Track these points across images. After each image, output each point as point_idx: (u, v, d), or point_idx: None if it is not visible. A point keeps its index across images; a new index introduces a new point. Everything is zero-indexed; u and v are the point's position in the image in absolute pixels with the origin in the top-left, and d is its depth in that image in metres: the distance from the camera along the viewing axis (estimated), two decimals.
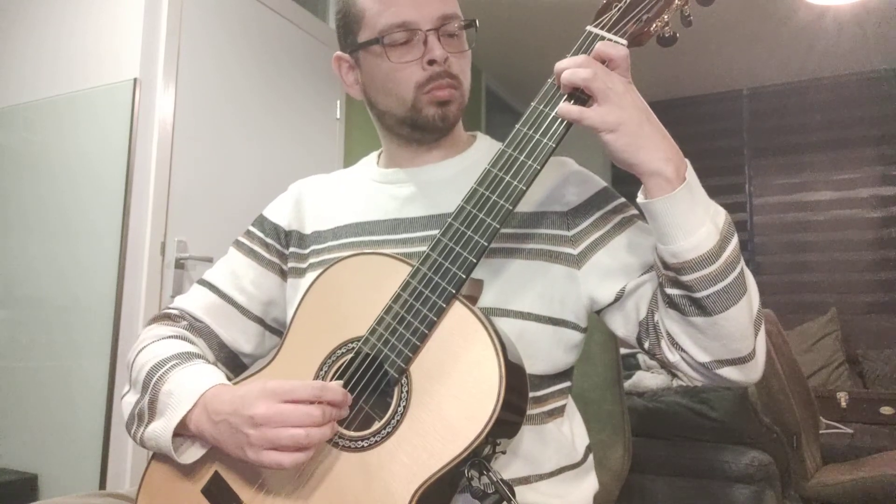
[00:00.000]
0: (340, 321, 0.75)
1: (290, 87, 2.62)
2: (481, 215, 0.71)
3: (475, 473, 0.65)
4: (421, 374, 0.69)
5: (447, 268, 0.70)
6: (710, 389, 1.77)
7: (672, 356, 0.78)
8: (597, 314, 0.88)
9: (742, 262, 0.74)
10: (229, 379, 0.81)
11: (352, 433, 0.70)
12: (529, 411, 0.80)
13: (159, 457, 0.79)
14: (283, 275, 0.95)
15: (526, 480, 0.81)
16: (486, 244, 0.70)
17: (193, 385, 0.75)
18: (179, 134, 2.12)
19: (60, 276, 2.05)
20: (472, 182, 0.74)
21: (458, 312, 0.69)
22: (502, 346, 0.66)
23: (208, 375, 0.77)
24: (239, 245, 0.97)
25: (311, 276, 0.89)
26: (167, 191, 2.07)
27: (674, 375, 2.09)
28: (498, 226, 0.70)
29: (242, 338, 0.93)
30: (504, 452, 0.72)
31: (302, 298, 0.79)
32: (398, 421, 0.68)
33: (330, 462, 0.69)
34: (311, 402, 0.67)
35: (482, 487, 0.64)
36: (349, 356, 0.73)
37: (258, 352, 0.95)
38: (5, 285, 2.16)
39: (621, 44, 0.72)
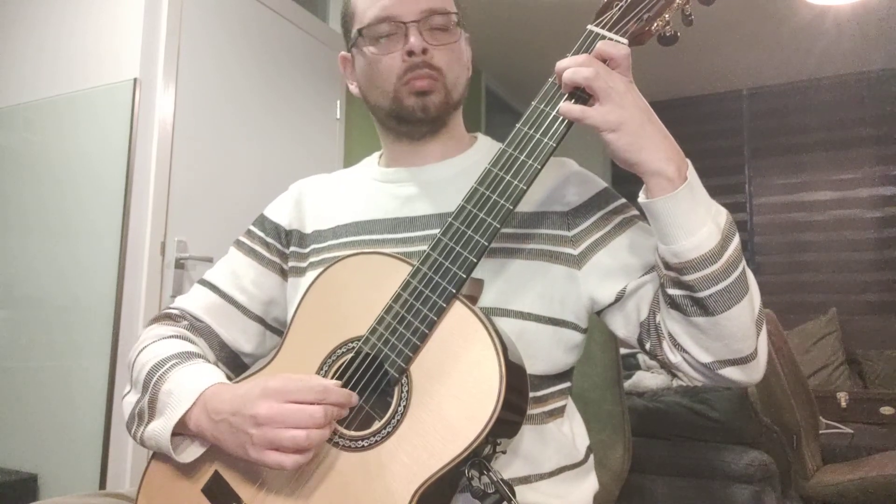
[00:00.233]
0: (341, 321, 0.75)
1: (290, 87, 2.62)
2: (482, 215, 0.71)
3: (475, 473, 0.65)
4: (421, 374, 0.68)
5: (447, 267, 0.70)
6: (710, 389, 1.77)
7: (674, 357, 0.78)
8: (597, 315, 0.88)
9: (744, 262, 0.74)
10: (230, 379, 0.81)
11: (352, 433, 0.70)
12: (530, 411, 0.80)
13: (159, 456, 0.79)
14: (284, 274, 0.95)
15: (526, 480, 0.81)
16: (486, 244, 0.70)
17: (193, 384, 0.75)
18: (179, 134, 2.12)
19: (60, 276, 2.05)
20: (472, 182, 0.74)
21: (458, 312, 0.69)
22: (503, 345, 0.66)
23: (208, 375, 0.77)
24: (239, 245, 0.97)
25: (311, 275, 0.89)
26: (167, 191, 2.07)
27: (674, 375, 2.09)
28: (498, 225, 0.70)
29: (243, 337, 0.93)
30: (504, 452, 0.72)
31: (302, 298, 0.79)
32: (398, 421, 0.68)
33: (330, 462, 0.69)
34: (314, 403, 0.66)
35: (482, 487, 0.64)
36: (349, 356, 0.72)
37: (259, 351, 0.95)
38: (5, 285, 2.16)
39: (622, 43, 0.72)
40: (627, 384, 1.97)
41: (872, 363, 3.41)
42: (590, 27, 0.75)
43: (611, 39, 0.72)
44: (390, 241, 0.87)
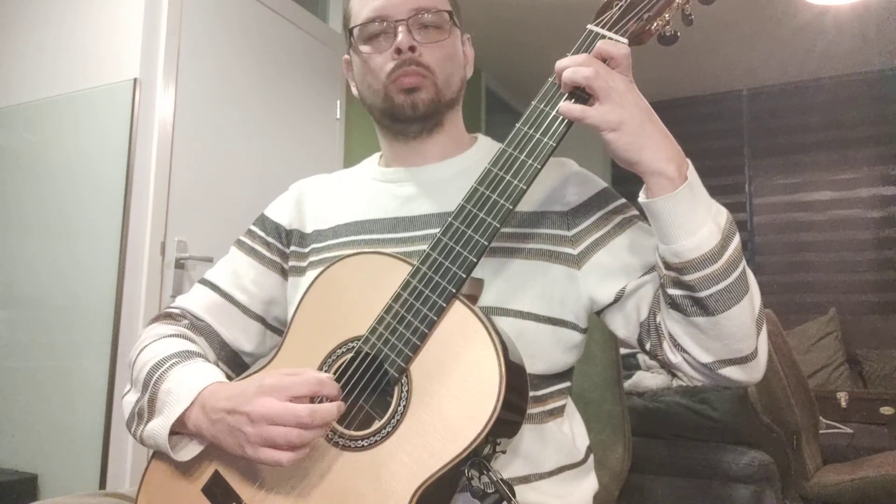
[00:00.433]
0: (341, 320, 0.75)
1: (290, 87, 2.62)
2: (482, 214, 0.71)
3: (475, 473, 0.65)
4: (421, 374, 0.68)
5: (447, 267, 0.70)
6: (710, 389, 1.77)
7: (674, 357, 0.78)
8: (597, 315, 0.88)
9: (744, 261, 0.74)
10: (230, 378, 0.81)
11: (352, 432, 0.70)
12: (529, 410, 0.80)
13: (160, 456, 0.79)
14: (284, 274, 0.95)
15: (526, 480, 0.81)
16: (486, 243, 0.70)
17: (192, 383, 0.75)
18: (179, 134, 2.12)
19: (60, 276, 2.05)
20: (472, 182, 0.74)
21: (458, 312, 0.69)
22: (502, 345, 0.66)
23: (207, 374, 0.77)
24: (240, 244, 0.97)
25: (311, 274, 0.89)
26: (167, 191, 2.07)
27: (674, 375, 2.09)
28: (498, 225, 0.70)
29: (243, 337, 0.93)
30: (504, 452, 0.72)
31: (302, 297, 0.79)
32: (398, 420, 0.68)
33: (330, 461, 0.69)
34: (310, 397, 0.66)
35: (482, 487, 0.64)
36: (349, 355, 0.73)
37: (259, 351, 0.95)
38: (5, 285, 2.16)
39: (622, 42, 0.72)
40: (627, 384, 1.97)
41: (872, 363, 3.41)
42: (590, 27, 0.75)
43: (611, 39, 0.72)
44: (390, 241, 0.88)
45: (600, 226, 0.86)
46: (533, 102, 0.73)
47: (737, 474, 1.66)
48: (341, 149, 2.89)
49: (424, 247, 0.72)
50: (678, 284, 0.73)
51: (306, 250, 0.94)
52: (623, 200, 0.89)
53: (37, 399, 2.03)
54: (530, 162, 0.71)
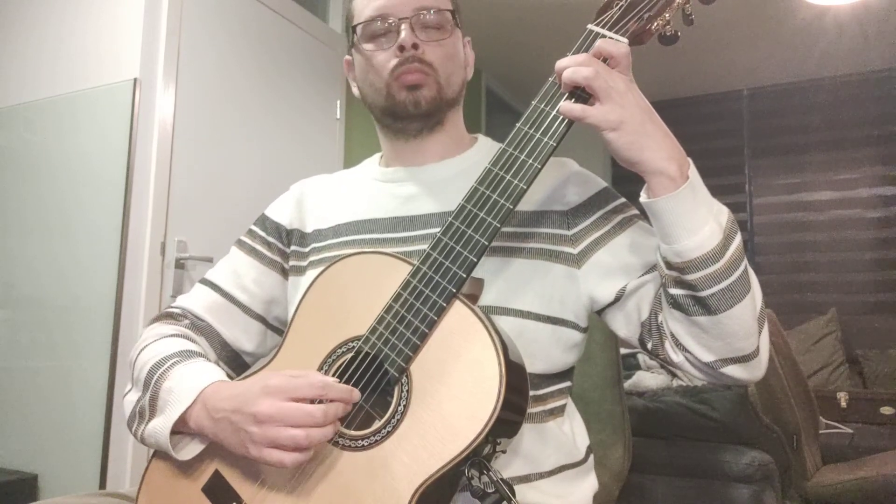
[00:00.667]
0: (341, 320, 0.75)
1: (290, 87, 2.62)
2: (482, 214, 0.71)
3: (475, 473, 0.65)
4: (421, 374, 0.69)
5: (448, 267, 0.70)
6: (710, 389, 1.77)
7: (676, 356, 0.78)
8: (598, 314, 0.88)
9: (745, 260, 0.74)
10: (231, 378, 0.81)
11: (352, 432, 0.70)
12: (529, 409, 0.80)
13: (160, 455, 0.79)
14: (285, 273, 0.95)
15: (526, 479, 0.81)
16: (486, 243, 0.70)
17: (193, 382, 0.75)
18: (179, 134, 2.12)
19: (60, 276, 2.05)
20: (472, 181, 0.74)
21: (458, 312, 0.69)
22: (503, 345, 0.66)
23: (208, 373, 0.77)
24: (241, 244, 0.97)
25: (311, 274, 0.89)
26: (167, 191, 2.07)
27: (674, 375, 2.09)
28: (498, 225, 0.70)
29: (244, 336, 0.93)
30: (504, 452, 0.72)
31: (302, 297, 0.79)
32: (398, 420, 0.68)
33: (331, 461, 0.69)
34: (315, 400, 0.67)
35: (482, 487, 0.64)
36: (350, 355, 0.73)
37: (260, 350, 0.95)
38: (5, 285, 2.16)
39: (622, 42, 0.72)
40: (627, 384, 1.97)
41: (872, 363, 3.41)
42: (590, 26, 0.75)
43: (611, 39, 0.72)
44: (390, 241, 0.88)
45: (600, 225, 0.86)
46: (533, 102, 0.73)
47: (737, 474, 1.66)
48: (341, 149, 2.89)
49: (425, 246, 0.72)
50: (680, 284, 0.73)
51: (307, 250, 0.94)
52: (623, 200, 0.89)
53: (37, 399, 2.03)
54: (531, 162, 0.71)
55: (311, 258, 0.92)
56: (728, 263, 0.71)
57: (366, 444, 0.69)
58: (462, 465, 0.64)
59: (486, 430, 0.63)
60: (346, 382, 0.71)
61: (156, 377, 0.78)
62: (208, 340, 0.91)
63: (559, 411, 0.87)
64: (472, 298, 0.72)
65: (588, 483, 0.89)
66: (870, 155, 4.12)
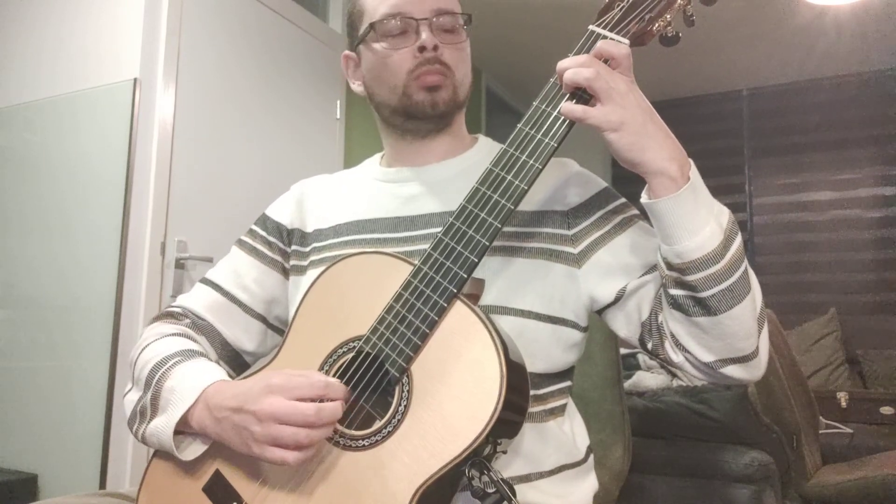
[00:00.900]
0: (342, 320, 0.75)
1: (290, 87, 2.62)
2: (483, 214, 0.71)
3: (476, 473, 0.65)
4: (422, 374, 0.69)
5: (448, 267, 0.70)
6: (710, 389, 1.77)
7: (676, 357, 0.78)
8: (598, 314, 0.88)
9: (745, 261, 0.74)
10: (231, 377, 0.81)
11: (353, 432, 0.70)
12: (530, 409, 0.80)
13: (160, 455, 0.79)
14: (286, 273, 0.95)
15: (527, 479, 0.81)
16: (487, 243, 0.70)
17: (195, 382, 0.75)
18: (179, 134, 2.12)
19: (60, 276, 2.05)
20: (473, 181, 0.74)
21: (459, 312, 0.69)
22: (503, 345, 0.66)
23: (210, 372, 0.77)
24: (241, 244, 0.97)
25: (312, 273, 0.89)
26: (167, 191, 2.07)
27: (674, 375, 2.09)
28: (499, 225, 0.70)
29: (245, 336, 0.93)
30: (505, 452, 0.72)
31: (303, 297, 0.79)
32: (399, 420, 0.68)
33: (331, 461, 0.69)
34: (315, 399, 0.67)
35: (483, 487, 0.64)
36: (350, 355, 0.73)
37: (260, 350, 0.95)
38: (5, 285, 2.16)
39: (623, 43, 0.72)
40: (627, 384, 1.97)
41: (872, 363, 3.41)
42: (591, 27, 0.75)
43: (612, 39, 0.72)
44: (391, 241, 0.88)
45: (600, 225, 0.86)
46: (534, 103, 0.73)
47: (737, 474, 1.66)
48: (341, 149, 2.89)
49: (425, 246, 0.73)
50: (680, 285, 0.73)
51: (307, 250, 0.94)
52: (623, 200, 0.90)
53: (37, 399, 2.03)
54: (531, 162, 0.71)
55: (312, 258, 0.92)
56: (728, 264, 0.71)
57: (366, 444, 0.69)
58: (462, 465, 0.64)
59: (487, 430, 0.63)
60: (347, 382, 0.71)
61: (157, 376, 0.78)
62: (209, 340, 0.91)
63: (559, 411, 0.87)
64: (473, 298, 0.72)
65: (588, 483, 0.89)
66: (870, 155, 4.12)
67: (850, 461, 2.31)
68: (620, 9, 0.74)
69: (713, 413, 1.74)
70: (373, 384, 0.71)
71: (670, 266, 0.73)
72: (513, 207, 0.71)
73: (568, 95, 0.72)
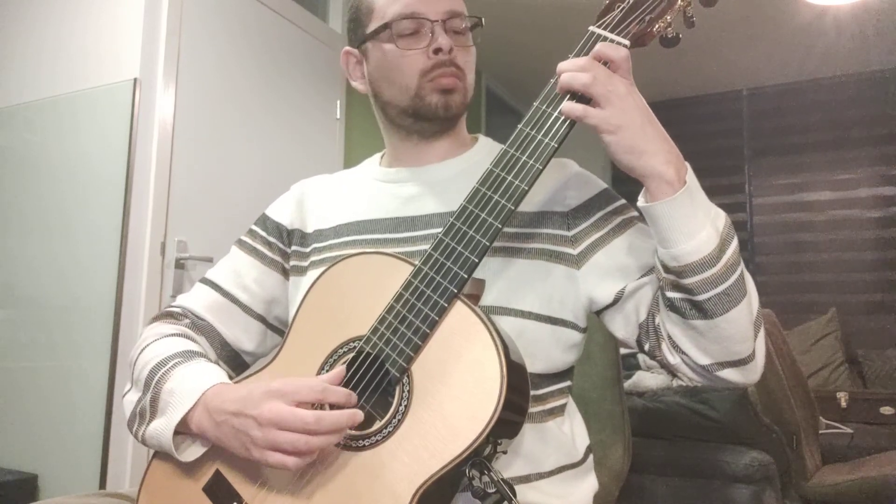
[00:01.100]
0: (342, 320, 0.75)
1: (290, 87, 2.62)
2: (483, 215, 0.71)
3: (476, 473, 0.65)
4: (422, 374, 0.69)
5: (449, 267, 0.70)
6: (710, 389, 1.77)
7: (673, 358, 0.79)
8: (597, 315, 0.89)
9: (742, 265, 0.74)
10: (231, 377, 0.81)
11: (353, 432, 0.70)
12: (530, 409, 0.80)
13: (160, 455, 0.79)
14: (286, 273, 0.95)
15: (526, 479, 0.81)
16: (487, 244, 0.70)
17: (194, 384, 0.75)
18: (179, 134, 2.12)
19: (60, 276, 2.05)
20: (473, 182, 0.74)
21: (459, 312, 0.69)
22: (504, 345, 0.66)
23: (209, 374, 0.77)
24: (241, 244, 0.97)
25: (312, 274, 0.89)
26: (167, 191, 2.07)
27: (674, 375, 2.09)
28: (500, 225, 0.70)
29: (245, 336, 0.93)
30: (505, 452, 0.72)
31: (304, 297, 0.79)
32: (399, 420, 0.68)
33: (331, 460, 0.69)
34: (314, 404, 0.67)
35: (483, 487, 0.64)
36: (351, 355, 0.73)
37: (260, 350, 0.95)
38: (5, 285, 2.16)
39: (624, 44, 0.72)
40: (627, 384, 1.97)
41: (872, 363, 3.41)
42: (591, 28, 0.75)
43: (612, 41, 0.72)
44: (392, 241, 0.88)
45: (600, 226, 0.86)
46: (535, 103, 0.74)
47: (737, 474, 1.66)
48: (341, 149, 2.89)
49: (426, 247, 0.73)
50: (677, 287, 0.73)
51: (308, 250, 0.94)
52: (623, 201, 0.90)
53: (37, 399, 2.03)
54: (532, 163, 0.71)
55: (313, 258, 0.92)
56: (724, 268, 0.71)
57: (367, 443, 0.69)
58: (463, 465, 0.64)
59: (487, 430, 0.63)
60: (348, 382, 0.71)
61: (157, 378, 0.78)
62: (208, 340, 0.91)
63: (559, 411, 0.87)
64: (474, 299, 0.72)
65: (588, 483, 0.89)
66: (870, 155, 4.12)
67: (850, 461, 2.31)
68: (621, 10, 0.74)
69: (713, 413, 1.75)
70: (373, 384, 0.71)
71: (667, 269, 0.73)
72: (513, 208, 0.71)
73: (569, 95, 0.72)
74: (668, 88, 4.38)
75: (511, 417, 0.68)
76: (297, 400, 0.67)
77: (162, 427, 0.74)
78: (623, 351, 1.85)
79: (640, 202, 0.73)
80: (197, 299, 0.93)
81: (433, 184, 0.91)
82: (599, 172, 0.93)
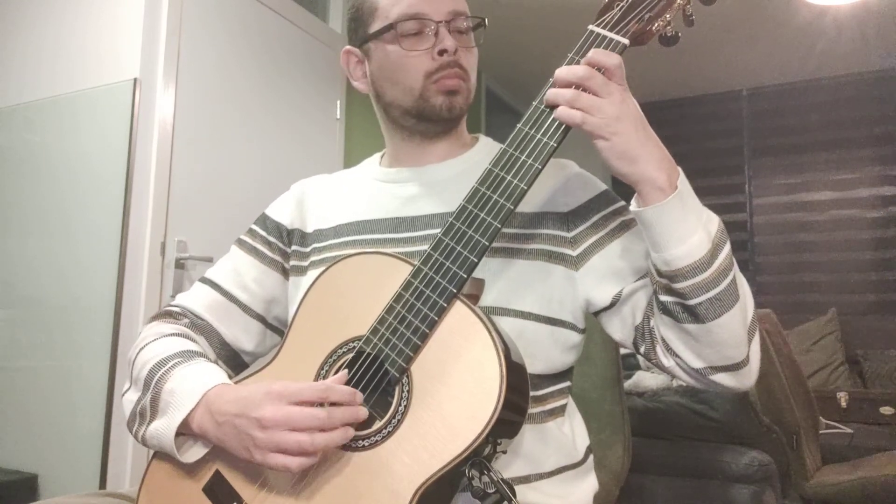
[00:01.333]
0: (342, 320, 0.75)
1: (290, 87, 2.62)
2: (482, 215, 0.71)
3: (476, 473, 0.65)
4: (422, 374, 0.69)
5: (448, 267, 0.70)
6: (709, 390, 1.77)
7: (667, 361, 0.79)
8: (594, 316, 0.89)
9: (735, 269, 0.74)
10: (230, 377, 0.81)
11: (353, 432, 0.70)
12: (530, 410, 0.80)
13: (160, 455, 0.79)
14: (285, 273, 0.95)
15: (526, 479, 0.81)
16: (487, 244, 0.70)
17: (195, 384, 0.75)
18: (179, 134, 2.12)
19: (60, 276, 2.05)
20: (473, 182, 0.74)
21: (459, 312, 0.69)
22: (503, 345, 0.66)
23: (210, 374, 0.77)
24: (241, 243, 0.97)
25: (312, 274, 0.89)
26: (167, 191, 2.07)
27: (673, 376, 2.09)
28: (499, 225, 0.70)
29: (244, 336, 0.93)
30: (505, 452, 0.72)
31: (303, 297, 0.79)
32: (399, 420, 0.68)
33: (331, 461, 0.69)
34: (317, 404, 0.67)
35: (482, 487, 0.64)
36: (350, 355, 0.73)
37: (259, 350, 0.95)
38: (5, 285, 2.16)
39: (623, 43, 0.72)
40: (627, 384, 1.97)
41: (872, 363, 3.41)
42: (591, 27, 0.75)
43: (612, 39, 0.72)
44: (391, 241, 0.88)
45: (599, 228, 0.86)
46: (534, 103, 0.74)
47: (737, 474, 1.66)
48: (341, 149, 2.89)
49: (425, 247, 0.73)
50: (669, 291, 0.73)
51: (307, 250, 0.94)
52: (623, 203, 0.89)
53: (37, 399, 2.03)
54: (531, 162, 0.71)
55: (312, 258, 0.92)
56: (716, 273, 0.71)
57: (366, 444, 0.69)
58: (462, 465, 0.64)
59: (487, 430, 0.63)
60: (347, 383, 0.71)
61: (157, 377, 0.78)
62: (207, 339, 0.91)
63: (559, 411, 0.87)
64: (473, 299, 0.72)
65: (588, 483, 0.89)
66: (870, 155, 4.12)
67: (850, 461, 2.31)
68: (620, 8, 0.74)
69: (713, 413, 1.75)
70: (373, 384, 0.71)
71: (659, 273, 0.73)
72: (512, 207, 0.71)
73: None
74: (669, 88, 4.38)
75: (511, 417, 0.68)
76: (300, 400, 0.67)
77: (163, 427, 0.74)
78: (623, 351, 1.85)
79: (633, 206, 0.73)
80: (196, 299, 0.93)
81: (433, 184, 0.91)
82: (599, 173, 0.93)
